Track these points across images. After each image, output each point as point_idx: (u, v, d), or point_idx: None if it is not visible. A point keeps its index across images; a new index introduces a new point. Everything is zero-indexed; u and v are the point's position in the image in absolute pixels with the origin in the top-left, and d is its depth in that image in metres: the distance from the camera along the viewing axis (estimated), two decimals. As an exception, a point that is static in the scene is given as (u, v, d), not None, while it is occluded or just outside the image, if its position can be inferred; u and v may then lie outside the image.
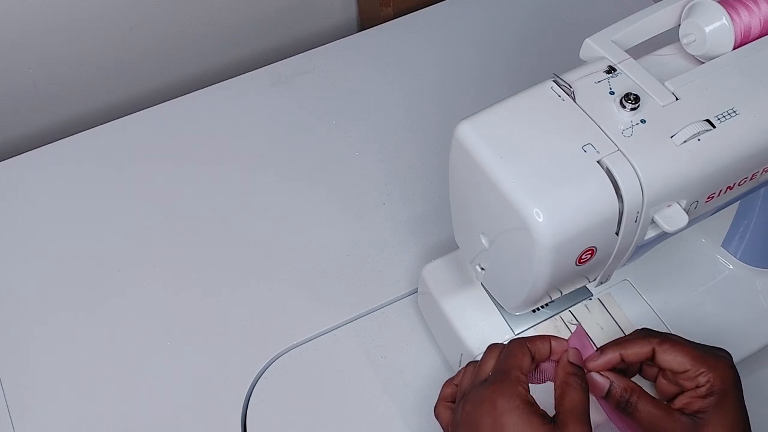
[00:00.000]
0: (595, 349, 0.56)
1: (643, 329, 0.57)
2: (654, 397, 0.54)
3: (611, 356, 0.55)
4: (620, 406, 0.54)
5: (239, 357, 0.71)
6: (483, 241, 0.54)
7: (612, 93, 0.50)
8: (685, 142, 0.48)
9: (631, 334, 0.57)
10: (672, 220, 0.49)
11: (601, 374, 0.55)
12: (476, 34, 0.94)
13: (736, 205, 0.64)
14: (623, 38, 0.54)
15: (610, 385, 0.54)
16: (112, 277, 0.76)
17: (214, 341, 0.72)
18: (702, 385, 0.53)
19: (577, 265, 0.50)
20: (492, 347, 0.56)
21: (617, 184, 0.47)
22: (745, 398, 0.54)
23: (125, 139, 0.86)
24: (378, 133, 0.86)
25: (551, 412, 0.52)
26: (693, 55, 0.54)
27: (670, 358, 0.54)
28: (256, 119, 0.87)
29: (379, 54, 0.93)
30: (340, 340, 0.72)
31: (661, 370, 0.56)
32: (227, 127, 0.87)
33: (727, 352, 0.55)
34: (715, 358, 0.54)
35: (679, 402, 0.54)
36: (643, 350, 0.55)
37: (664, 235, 0.53)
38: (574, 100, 0.50)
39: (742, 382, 0.54)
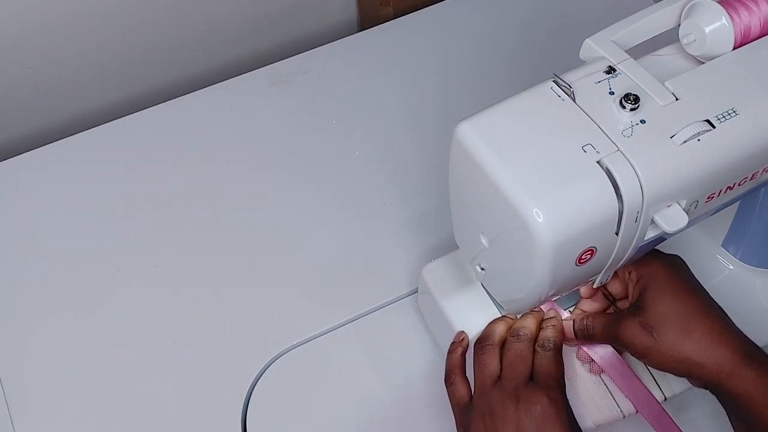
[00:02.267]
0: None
1: None
2: (603, 313, 0.60)
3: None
4: (586, 336, 0.60)
5: (239, 357, 0.71)
6: (483, 241, 0.54)
7: (612, 93, 0.50)
8: (685, 142, 0.48)
9: None
10: (672, 220, 0.49)
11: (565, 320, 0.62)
12: (476, 34, 0.94)
13: (736, 205, 0.64)
14: (623, 38, 0.54)
15: (573, 322, 0.61)
16: (112, 277, 0.76)
17: (214, 341, 0.72)
18: (633, 281, 0.58)
19: (577, 265, 0.50)
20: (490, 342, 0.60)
21: (617, 184, 0.47)
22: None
23: (125, 139, 0.86)
24: (378, 133, 0.86)
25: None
26: (693, 55, 0.54)
27: (612, 284, 0.61)
28: (256, 119, 0.87)
29: (379, 54, 0.93)
30: (340, 340, 0.72)
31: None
32: (227, 127, 0.87)
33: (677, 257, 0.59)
34: (641, 260, 0.58)
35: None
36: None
37: (664, 235, 0.53)
38: (574, 100, 0.50)
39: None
